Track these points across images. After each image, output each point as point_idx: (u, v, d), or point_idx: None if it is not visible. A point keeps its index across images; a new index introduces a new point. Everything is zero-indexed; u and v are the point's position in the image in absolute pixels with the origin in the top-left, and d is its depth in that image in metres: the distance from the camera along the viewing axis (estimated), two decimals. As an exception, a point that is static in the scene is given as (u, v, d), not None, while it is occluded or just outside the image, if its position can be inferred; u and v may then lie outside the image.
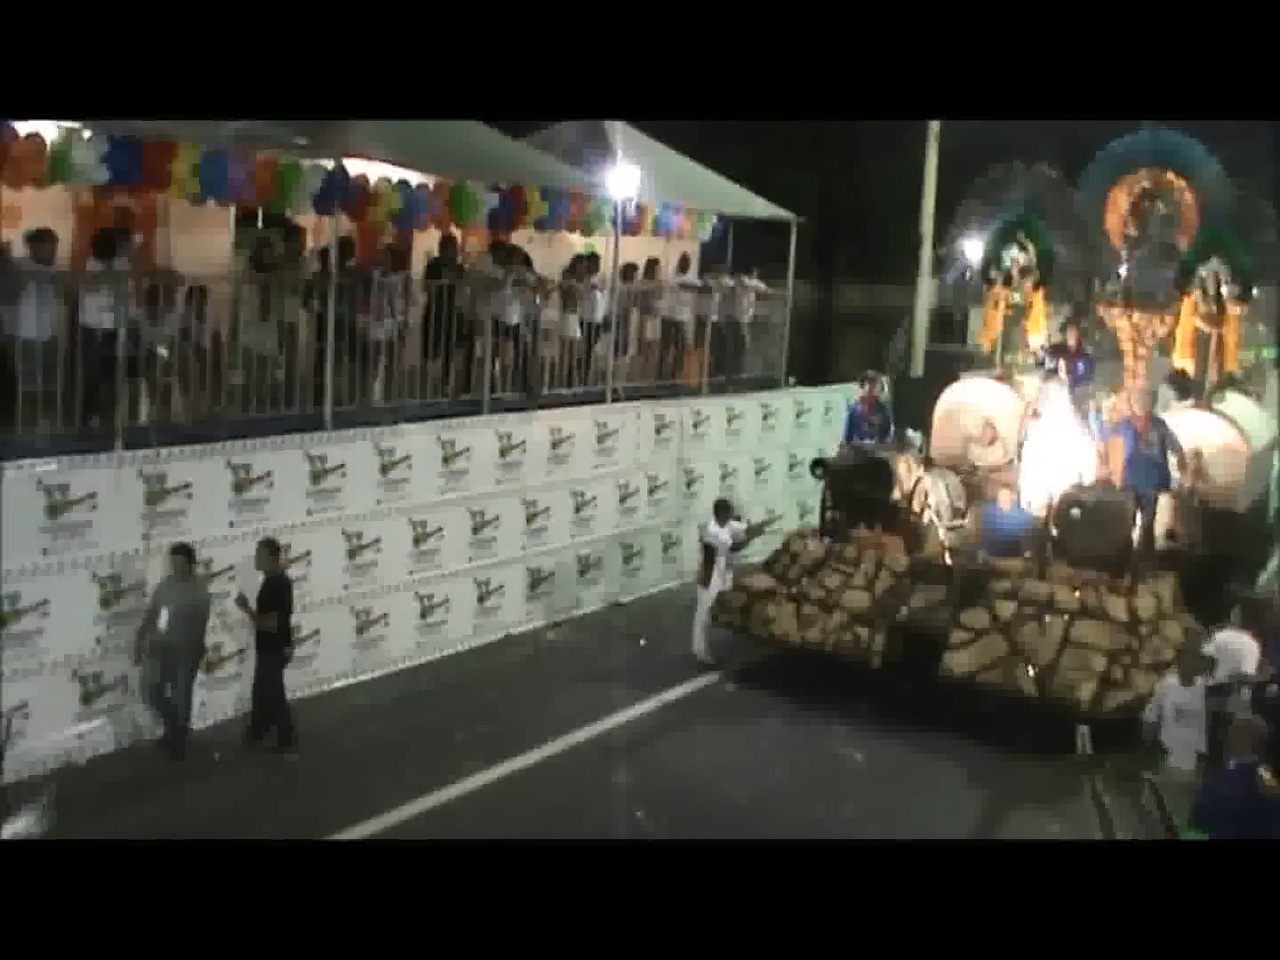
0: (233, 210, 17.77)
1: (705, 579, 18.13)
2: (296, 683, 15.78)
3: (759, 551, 19.30)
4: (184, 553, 13.87)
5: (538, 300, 19.72)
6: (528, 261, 19.85)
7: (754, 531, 18.82)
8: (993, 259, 19.92)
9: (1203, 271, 18.97)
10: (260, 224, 19.71)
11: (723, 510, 18.35)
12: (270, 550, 14.47)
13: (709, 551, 18.19)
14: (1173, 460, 17.98)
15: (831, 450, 20.29)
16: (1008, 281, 19.77)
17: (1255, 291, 19.02)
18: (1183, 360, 19.51)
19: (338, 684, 16.32)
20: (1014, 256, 19.67)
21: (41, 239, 14.20)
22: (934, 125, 30.05)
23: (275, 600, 14.32)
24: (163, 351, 14.81)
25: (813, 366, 29.22)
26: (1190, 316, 19.11)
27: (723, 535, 18.05)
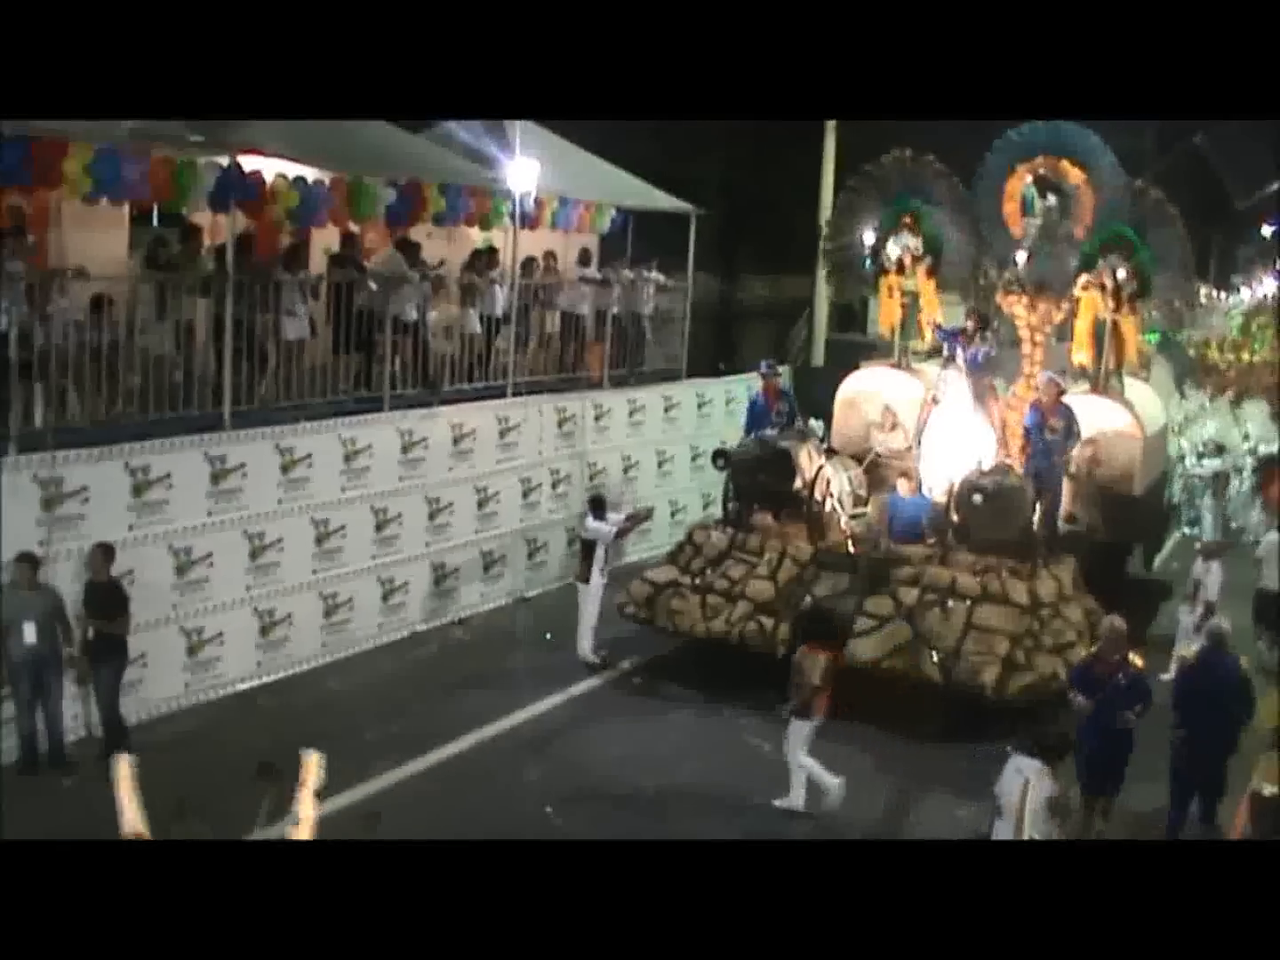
0: (127, 209, 17.60)
1: (585, 575, 18.10)
2: (201, 685, 15.69)
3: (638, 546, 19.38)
4: (28, 561, 13.52)
5: (434, 295, 19.69)
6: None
7: (636, 519, 18.92)
8: (881, 248, 20.08)
9: (1100, 264, 19.21)
10: (156, 223, 19.48)
11: (598, 505, 18.39)
12: (105, 555, 14.06)
13: (588, 547, 18.18)
14: (1070, 446, 18.25)
15: (734, 441, 20.35)
16: (900, 269, 19.94)
17: (1152, 283, 19.29)
18: (1080, 349, 19.74)
19: (242, 686, 16.20)
20: (906, 244, 19.85)
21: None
22: (830, 115, 30.14)
23: (118, 606, 14.01)
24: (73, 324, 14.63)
25: (715, 357, 29.30)
26: (1090, 308, 19.34)
27: (603, 528, 18.04)
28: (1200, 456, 27.72)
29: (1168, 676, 17.22)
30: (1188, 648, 15.05)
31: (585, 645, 18.02)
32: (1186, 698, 13.73)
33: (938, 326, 19.96)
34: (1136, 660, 13.34)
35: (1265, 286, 51.41)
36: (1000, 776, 11.42)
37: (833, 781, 13.97)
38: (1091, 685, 13.15)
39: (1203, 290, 38.71)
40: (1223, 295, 49.30)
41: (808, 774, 14.02)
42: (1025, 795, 10.86)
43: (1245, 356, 36.91)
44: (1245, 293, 51.10)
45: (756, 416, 20.41)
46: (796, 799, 14.04)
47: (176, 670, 15.52)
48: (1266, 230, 50.61)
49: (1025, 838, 10.73)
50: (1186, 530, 26.65)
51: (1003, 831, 11.10)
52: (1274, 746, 12.06)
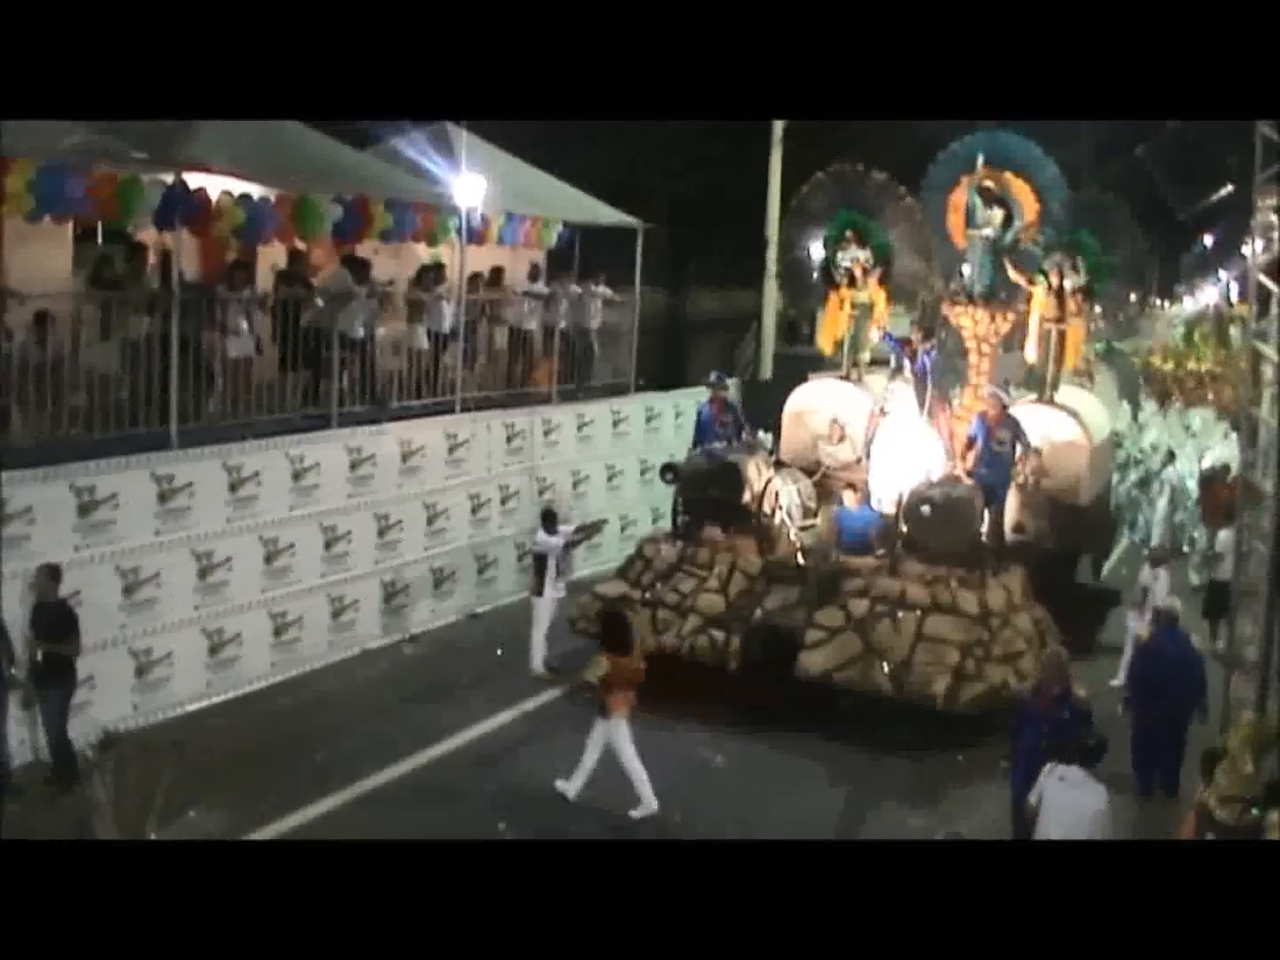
0: (71, 226, 17.48)
1: (538, 588, 18.08)
2: (150, 707, 15.56)
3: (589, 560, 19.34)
4: None
5: (382, 311, 19.66)
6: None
7: (586, 531, 18.93)
8: (830, 261, 20.16)
9: (1046, 265, 19.40)
10: (100, 240, 19.37)
11: (549, 519, 18.39)
12: (51, 576, 13.81)
13: (540, 561, 18.17)
14: (1024, 456, 18.35)
15: (682, 455, 20.37)
16: (851, 282, 20.01)
17: (1100, 288, 19.48)
18: (1033, 346, 19.91)
19: (192, 706, 16.07)
20: (854, 257, 19.93)
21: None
22: (777, 128, 30.27)
23: (67, 626, 13.74)
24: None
25: (663, 371, 29.32)
26: (1040, 305, 19.52)
27: (553, 540, 18.03)
28: (1138, 463, 27.92)
29: (1117, 682, 17.38)
30: (1145, 629, 15.71)
31: (537, 658, 17.99)
32: (1144, 674, 15.03)
33: (886, 334, 20.06)
34: (1079, 692, 13.10)
35: (1206, 296, 51.97)
36: (1038, 786, 11.19)
37: (577, 783, 14.29)
38: (1033, 721, 12.71)
39: (1146, 300, 38.96)
40: (1166, 304, 49.79)
41: (587, 764, 14.32)
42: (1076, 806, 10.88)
43: (1189, 365, 37.30)
44: (1188, 302, 51.60)
45: (702, 428, 20.44)
46: (648, 803, 14.17)
47: (125, 691, 15.38)
48: (1208, 240, 51.14)
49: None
50: (1135, 538, 26.83)
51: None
52: (1228, 763, 12.01)
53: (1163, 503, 26.76)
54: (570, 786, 14.27)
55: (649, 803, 14.10)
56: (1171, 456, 27.64)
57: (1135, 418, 30.48)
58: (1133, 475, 27.41)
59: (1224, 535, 19.77)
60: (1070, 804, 10.85)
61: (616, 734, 14.23)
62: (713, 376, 21.11)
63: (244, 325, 17.40)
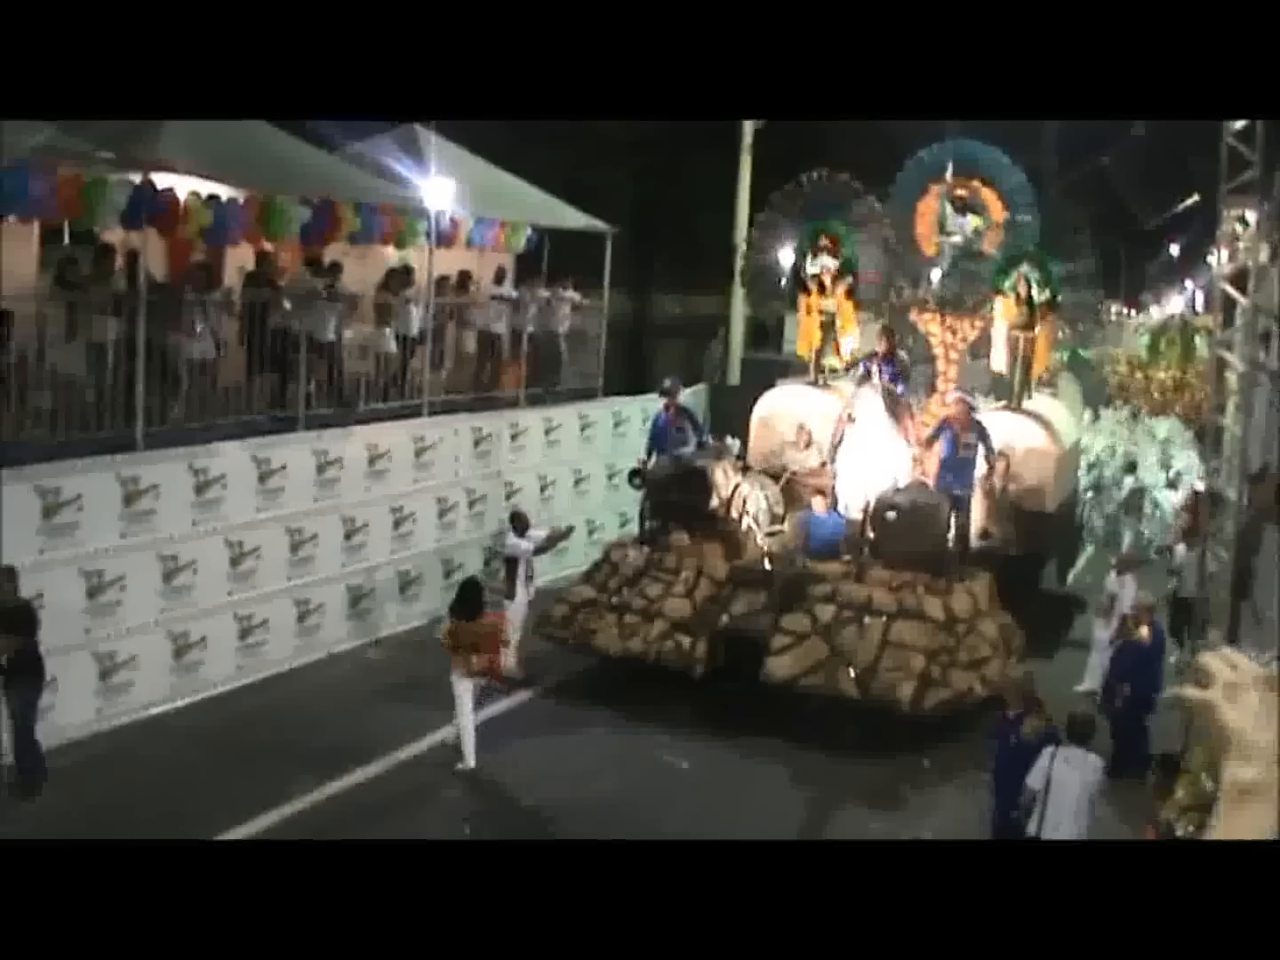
0: (36, 227, 17.39)
1: (510, 591, 18.08)
2: (114, 710, 15.47)
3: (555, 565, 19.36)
4: None
5: (349, 314, 19.61)
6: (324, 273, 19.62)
7: (553, 539, 18.92)
8: (801, 266, 20.18)
9: (1013, 276, 19.49)
10: (67, 241, 19.26)
11: (519, 521, 18.41)
12: (10, 578, 13.66)
13: (510, 564, 18.17)
14: (982, 462, 18.39)
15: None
16: (821, 288, 20.03)
17: (1061, 297, 19.59)
18: (999, 356, 19.99)
19: (157, 710, 15.98)
20: (824, 264, 19.94)
21: None
22: (747, 132, 30.27)
23: (23, 626, 13.63)
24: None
25: (631, 376, 29.31)
26: (1003, 321, 19.58)
27: (523, 544, 18.05)
28: (1090, 468, 27.95)
29: (1082, 688, 17.46)
30: (1146, 630, 16.01)
31: (511, 661, 17.92)
32: (1137, 669, 15.68)
33: (864, 358, 20.05)
34: (1039, 721, 12.86)
35: (1172, 304, 52.19)
36: (1038, 771, 11.54)
37: (469, 758, 15.03)
38: (1004, 740, 12.71)
39: (1112, 308, 39.11)
40: (1131, 313, 50.00)
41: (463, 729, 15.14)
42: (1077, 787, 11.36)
43: (1154, 374, 37.40)
44: (1154, 311, 51.81)
45: (658, 434, 20.37)
46: (468, 761, 15.05)
47: (88, 695, 15.27)
48: (1173, 249, 51.41)
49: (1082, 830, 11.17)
50: (1098, 545, 26.91)
51: (1056, 825, 11.30)
52: (1189, 779, 12.09)
53: (1113, 509, 26.90)
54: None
55: (469, 760, 14.93)
56: (1133, 466, 27.69)
57: (1096, 423, 30.56)
58: (1085, 480, 27.44)
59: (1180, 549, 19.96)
60: (1074, 779, 11.51)
61: (457, 690, 14.93)
62: (666, 383, 20.99)
63: (201, 326, 17.26)
